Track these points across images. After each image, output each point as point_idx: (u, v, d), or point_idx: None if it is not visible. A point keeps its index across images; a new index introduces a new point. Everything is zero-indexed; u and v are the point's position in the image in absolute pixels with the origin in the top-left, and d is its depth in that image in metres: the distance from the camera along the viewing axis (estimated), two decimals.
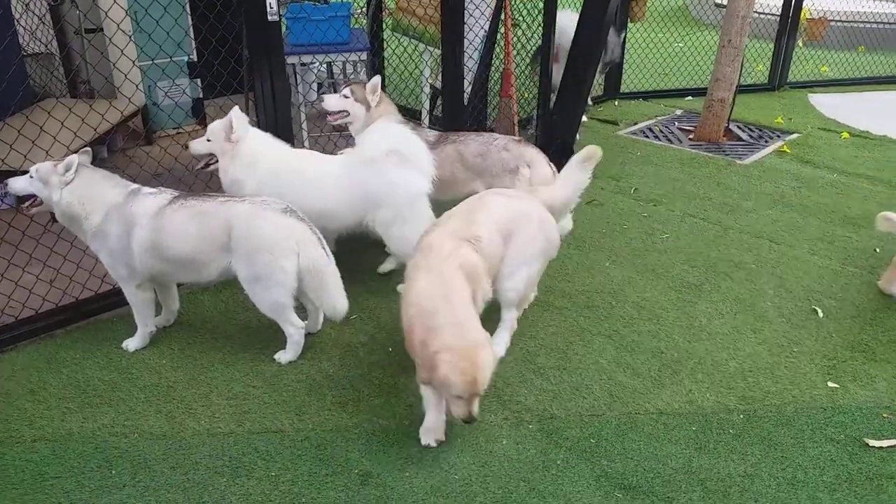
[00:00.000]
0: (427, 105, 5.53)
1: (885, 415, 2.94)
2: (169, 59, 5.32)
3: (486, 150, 3.93)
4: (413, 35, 5.23)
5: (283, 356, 3.25)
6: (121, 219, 3.07)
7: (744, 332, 3.49)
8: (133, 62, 4.39)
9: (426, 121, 5.48)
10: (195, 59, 5.59)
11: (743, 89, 6.49)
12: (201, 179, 3.94)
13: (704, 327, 3.53)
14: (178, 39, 5.16)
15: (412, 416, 2.91)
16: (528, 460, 2.71)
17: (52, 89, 5.51)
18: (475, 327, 2.59)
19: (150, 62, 5.22)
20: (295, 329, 3.21)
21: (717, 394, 3.06)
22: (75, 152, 3.19)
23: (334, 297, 3.20)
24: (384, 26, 6.07)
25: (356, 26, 5.94)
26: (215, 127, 3.50)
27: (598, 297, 3.79)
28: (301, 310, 3.29)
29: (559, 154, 5.13)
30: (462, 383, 2.46)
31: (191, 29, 5.51)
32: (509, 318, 3.28)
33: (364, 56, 4.93)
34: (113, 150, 5.40)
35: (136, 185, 3.19)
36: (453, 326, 2.53)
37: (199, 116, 5.79)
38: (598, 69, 6.62)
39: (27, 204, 3.17)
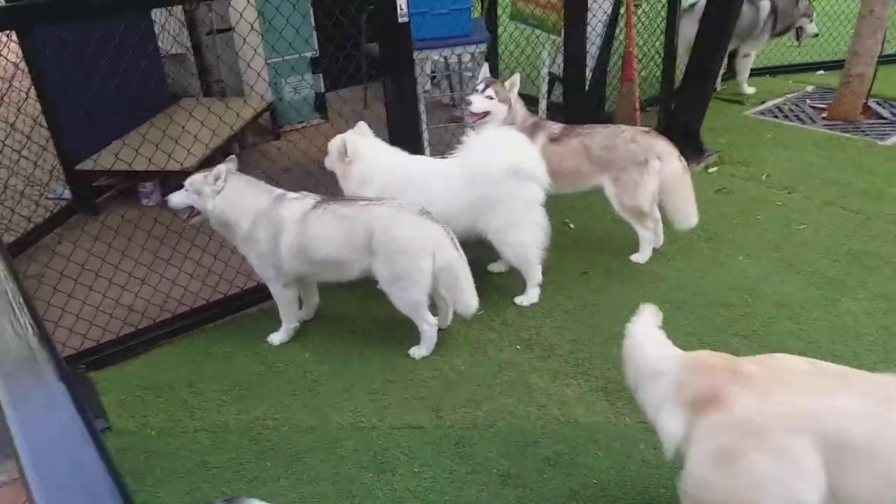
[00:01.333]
0: (544, 92, 5.47)
1: None
2: (297, 55, 5.52)
3: (613, 142, 3.85)
4: (533, 23, 5.17)
5: (417, 351, 3.35)
6: (268, 224, 3.23)
7: (895, 333, 3.29)
8: (265, 60, 4.58)
9: (543, 108, 5.42)
10: (317, 55, 5.77)
11: (882, 60, 6.00)
12: (329, 174, 4.05)
13: (850, 327, 3.35)
14: (304, 36, 5.33)
15: (545, 417, 2.95)
16: (666, 465, 2.67)
17: (188, 88, 5.84)
18: None
19: (281, 59, 5.43)
20: (429, 326, 3.31)
21: None
22: (216, 151, 3.37)
23: (466, 295, 3.28)
24: (501, 14, 6.05)
25: (474, 16, 5.93)
26: (331, 149, 3.60)
27: (733, 293, 3.66)
28: (431, 306, 3.36)
29: (683, 140, 4.94)
30: None
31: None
32: None
33: (483, 48, 4.92)
34: (243, 146, 5.68)
35: (280, 191, 3.34)
36: None
37: (322, 110, 5.98)
38: (766, 39, 6.34)
39: (186, 216, 3.39)
